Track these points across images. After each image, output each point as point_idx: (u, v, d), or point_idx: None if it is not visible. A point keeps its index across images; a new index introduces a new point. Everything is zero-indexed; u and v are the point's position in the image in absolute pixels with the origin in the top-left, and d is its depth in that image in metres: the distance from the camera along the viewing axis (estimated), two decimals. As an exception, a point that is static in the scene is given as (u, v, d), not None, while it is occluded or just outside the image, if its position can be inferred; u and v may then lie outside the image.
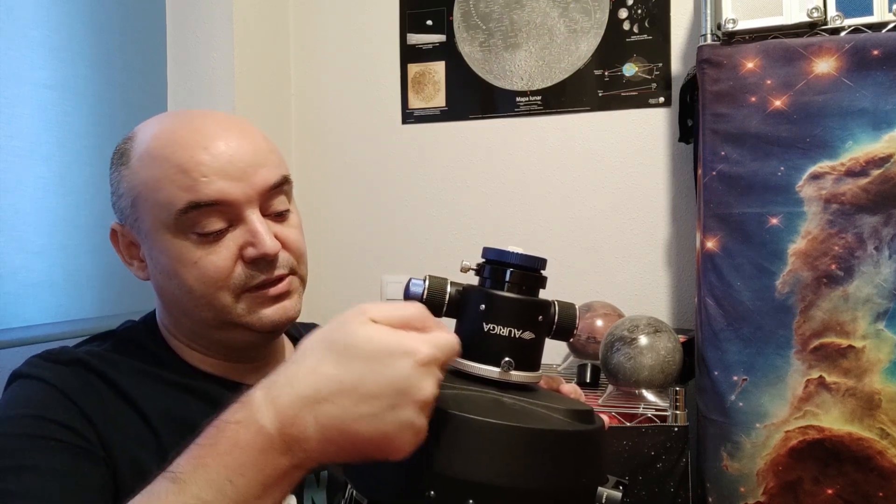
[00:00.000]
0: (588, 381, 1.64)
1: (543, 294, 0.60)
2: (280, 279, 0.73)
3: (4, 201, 1.56)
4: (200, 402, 0.73)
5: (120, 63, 1.85)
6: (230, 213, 0.70)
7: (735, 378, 1.45)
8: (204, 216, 0.69)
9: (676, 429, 1.46)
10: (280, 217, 0.75)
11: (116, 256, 0.78)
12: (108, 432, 0.66)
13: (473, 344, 0.57)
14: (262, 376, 0.78)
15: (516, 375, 0.56)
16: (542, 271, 0.59)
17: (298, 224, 0.78)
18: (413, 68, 2.08)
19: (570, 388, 0.65)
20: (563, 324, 0.60)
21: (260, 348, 0.79)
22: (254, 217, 0.71)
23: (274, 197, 0.74)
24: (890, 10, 1.41)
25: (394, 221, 2.11)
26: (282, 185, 0.74)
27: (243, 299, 0.72)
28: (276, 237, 0.72)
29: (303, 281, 0.78)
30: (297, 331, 0.90)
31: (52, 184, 1.67)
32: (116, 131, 1.80)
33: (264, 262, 0.71)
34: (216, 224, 0.70)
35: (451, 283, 0.59)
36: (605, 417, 0.60)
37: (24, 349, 1.51)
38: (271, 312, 0.73)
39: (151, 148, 0.71)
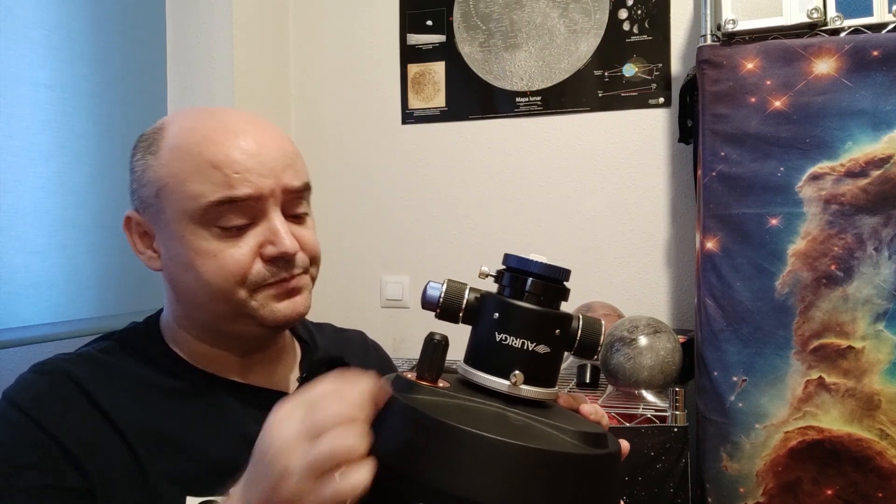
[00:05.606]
0: (588, 381, 1.64)
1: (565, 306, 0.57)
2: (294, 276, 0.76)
3: (4, 201, 1.55)
4: (185, 407, 0.74)
5: (119, 63, 1.85)
6: (255, 209, 0.72)
7: (734, 378, 1.45)
8: (232, 211, 0.71)
9: (676, 429, 1.46)
10: (298, 219, 0.77)
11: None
12: (82, 453, 0.67)
13: (485, 354, 0.54)
14: (266, 374, 0.81)
15: (526, 390, 0.53)
16: (564, 283, 0.56)
17: (314, 228, 0.81)
18: (413, 68, 2.08)
19: (591, 409, 0.61)
20: (586, 340, 0.56)
21: (267, 341, 0.81)
22: (276, 216, 0.73)
23: (295, 200, 0.76)
24: (890, 11, 1.41)
25: (393, 221, 2.11)
26: (303, 192, 0.77)
27: (258, 294, 0.73)
28: (294, 237, 0.75)
29: (313, 280, 0.81)
30: (307, 330, 0.92)
31: (52, 184, 1.66)
32: (116, 131, 1.80)
33: (283, 260, 0.73)
34: (239, 219, 0.72)
35: (471, 289, 0.57)
36: (624, 442, 0.56)
37: (23, 349, 1.51)
38: (283, 307, 0.75)
39: (184, 142, 0.73)
